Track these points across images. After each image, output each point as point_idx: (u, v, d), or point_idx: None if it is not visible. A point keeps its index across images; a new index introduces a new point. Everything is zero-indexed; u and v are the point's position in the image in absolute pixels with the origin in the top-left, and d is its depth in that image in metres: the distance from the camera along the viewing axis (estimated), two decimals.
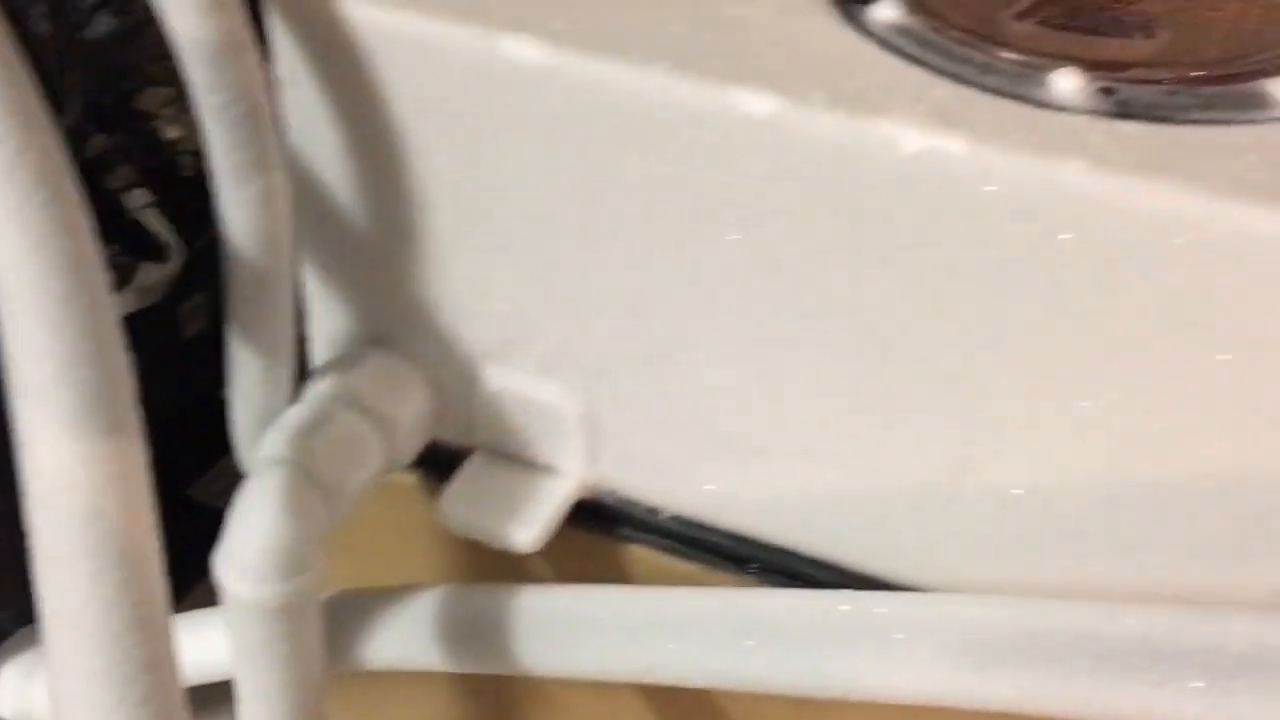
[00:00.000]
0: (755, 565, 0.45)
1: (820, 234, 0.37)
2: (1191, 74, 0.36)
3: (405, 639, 0.45)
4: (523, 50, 0.38)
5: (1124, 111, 0.36)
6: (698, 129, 0.37)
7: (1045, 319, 0.35)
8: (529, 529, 0.44)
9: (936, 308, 0.36)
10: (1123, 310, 0.35)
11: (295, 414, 0.43)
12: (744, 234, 0.38)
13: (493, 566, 0.48)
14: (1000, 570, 0.41)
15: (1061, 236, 0.34)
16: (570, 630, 0.42)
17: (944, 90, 0.36)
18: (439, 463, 0.49)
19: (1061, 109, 0.36)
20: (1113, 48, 0.38)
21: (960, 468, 0.40)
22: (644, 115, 0.37)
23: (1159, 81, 0.36)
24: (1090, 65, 0.37)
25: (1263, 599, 0.37)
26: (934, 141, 0.34)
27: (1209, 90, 0.36)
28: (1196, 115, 0.36)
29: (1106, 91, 0.36)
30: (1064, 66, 0.36)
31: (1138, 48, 0.38)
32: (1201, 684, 0.29)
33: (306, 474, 0.41)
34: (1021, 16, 0.39)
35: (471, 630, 0.44)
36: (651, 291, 0.41)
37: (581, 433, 0.45)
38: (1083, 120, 0.35)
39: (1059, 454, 0.38)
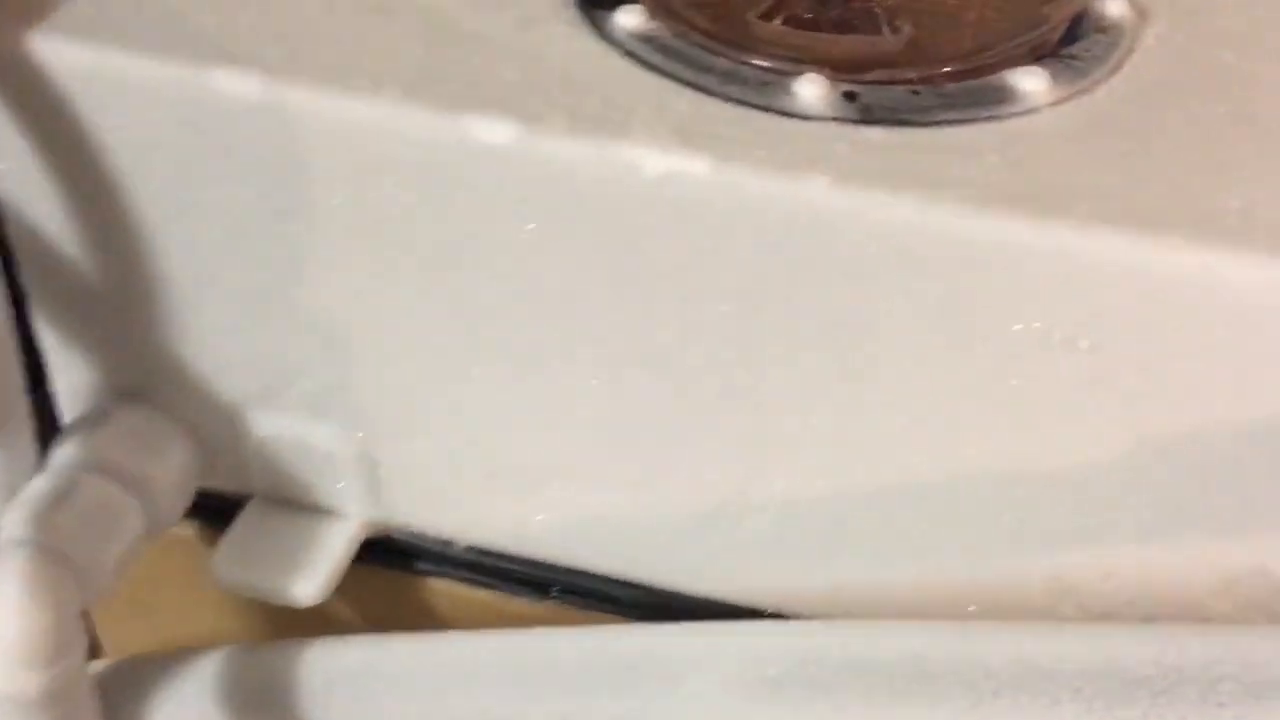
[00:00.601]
0: (556, 589, 0.45)
1: (572, 261, 0.35)
2: (935, 71, 0.36)
3: (190, 709, 0.43)
4: (236, 84, 0.35)
5: (868, 117, 0.35)
6: (433, 159, 0.34)
7: (805, 335, 0.35)
8: (309, 582, 0.42)
9: (699, 329, 0.35)
10: (878, 323, 0.34)
11: (38, 486, 0.39)
12: (496, 263, 0.36)
13: (289, 613, 0.46)
14: (794, 580, 0.40)
15: (810, 253, 0.33)
16: (360, 688, 0.40)
17: (688, 103, 0.35)
18: (217, 511, 0.46)
19: (806, 117, 0.35)
20: (858, 46, 0.37)
21: (741, 482, 0.39)
22: (374, 147, 0.35)
23: (902, 82, 0.36)
24: (834, 67, 0.36)
25: (1040, 590, 0.38)
26: (676, 164, 0.33)
27: (952, 87, 0.36)
28: (940, 116, 0.35)
29: (850, 96, 0.35)
30: (807, 72, 0.36)
31: (882, 45, 0.38)
32: (966, 704, 0.29)
33: (53, 553, 0.38)
34: (767, 15, 0.38)
35: (261, 694, 0.42)
36: (411, 325, 0.39)
37: (359, 473, 0.43)
38: (827, 129, 0.35)
39: (835, 466, 0.37)
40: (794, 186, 0.32)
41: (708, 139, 0.34)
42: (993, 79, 0.36)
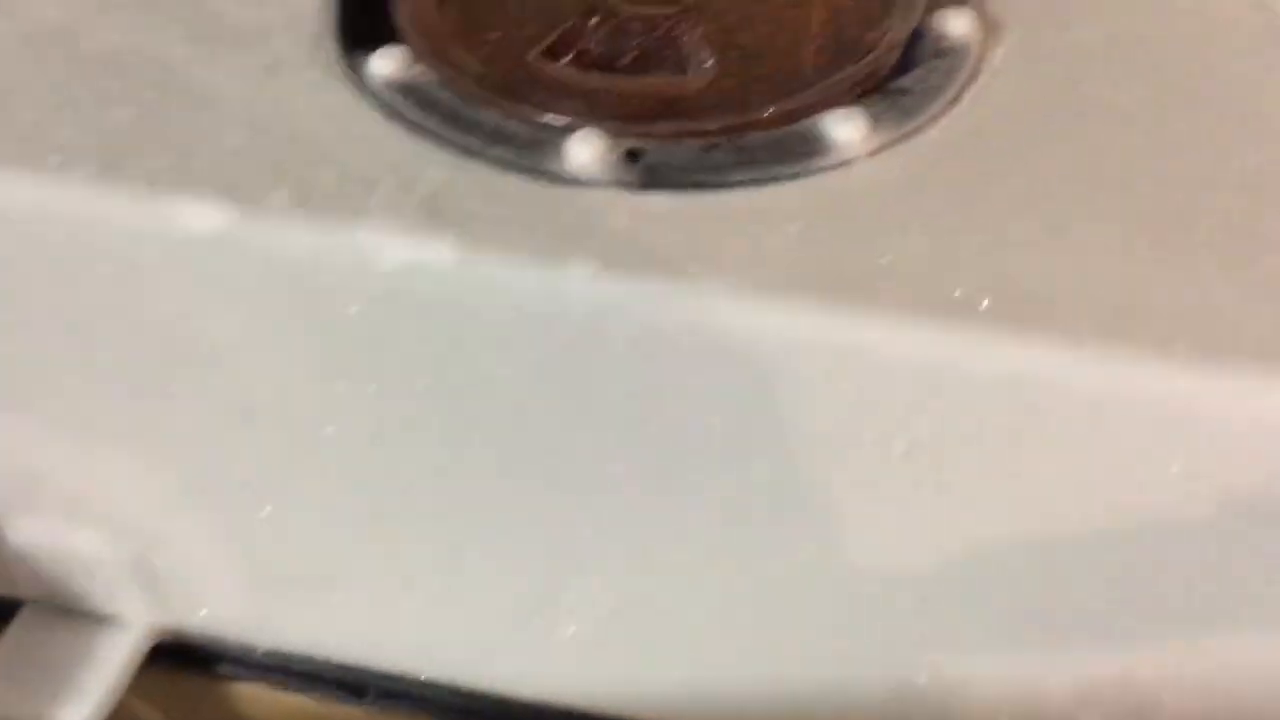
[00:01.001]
0: (370, 694, 0.40)
1: (312, 361, 0.30)
2: (734, 120, 0.31)
3: None
4: None
5: (652, 180, 0.30)
6: (133, 249, 0.29)
7: (585, 437, 0.30)
8: (77, 708, 0.37)
9: (464, 433, 0.31)
10: (665, 423, 0.29)
11: None
12: (232, 363, 0.31)
13: None
14: (610, 683, 0.36)
15: (578, 350, 0.28)
16: None
17: (444, 170, 0.30)
18: None
19: (581, 183, 0.30)
20: (648, 92, 0.32)
21: (547, 587, 0.34)
22: (66, 235, 0.30)
23: (696, 135, 0.31)
24: (618, 118, 0.31)
25: (886, 701, 0.34)
26: (418, 252, 0.28)
27: (755, 139, 0.30)
28: (738, 175, 0.30)
29: (633, 156, 0.30)
30: (584, 127, 0.30)
31: (679, 87, 0.32)
32: None
33: None
34: (551, 53, 0.33)
35: None
36: (156, 428, 0.34)
37: (136, 579, 0.38)
38: (605, 196, 0.29)
39: (641, 571, 0.33)
40: (553, 275, 0.28)
41: (460, 217, 0.29)
42: (804, 126, 0.31)
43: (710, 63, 0.32)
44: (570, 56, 0.33)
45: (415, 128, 0.31)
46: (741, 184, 0.30)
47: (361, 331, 0.29)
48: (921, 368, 0.27)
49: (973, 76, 0.34)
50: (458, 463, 0.31)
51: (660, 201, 0.29)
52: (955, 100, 0.33)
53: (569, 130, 0.30)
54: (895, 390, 0.27)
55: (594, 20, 0.34)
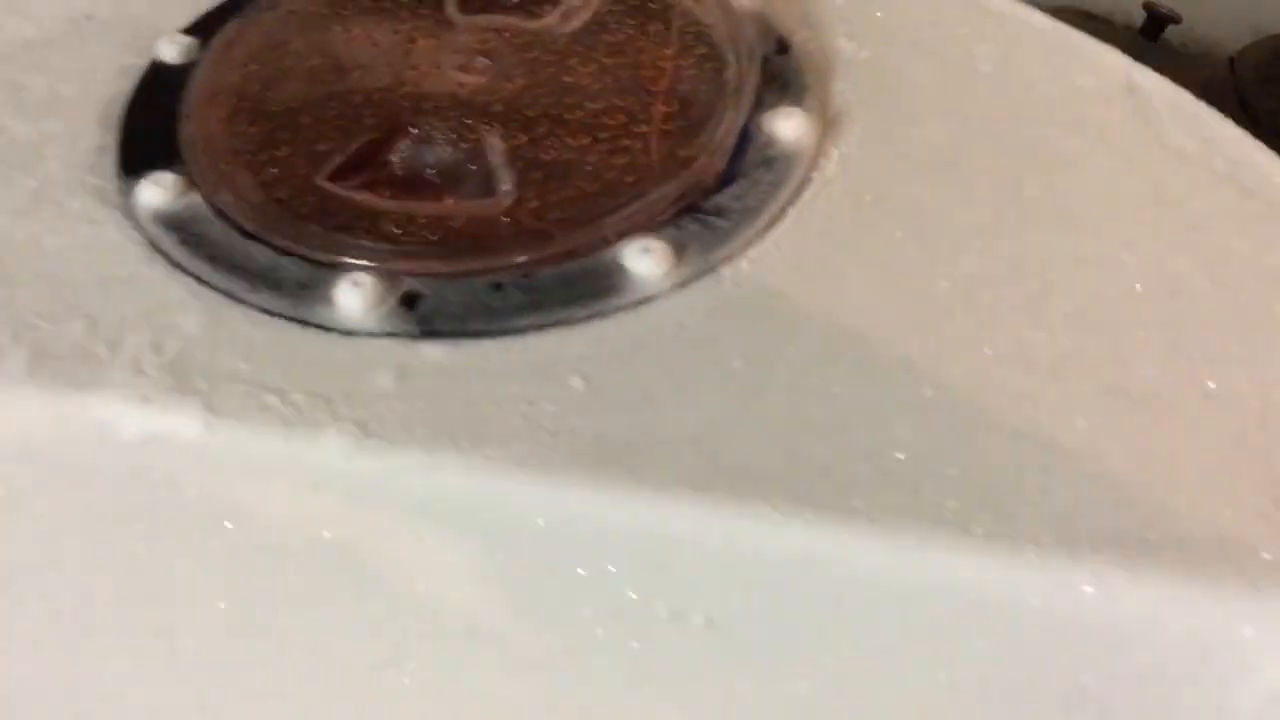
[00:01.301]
0: None
1: (45, 533, 0.28)
2: (528, 253, 0.28)
3: None
4: None
5: (429, 329, 0.27)
6: None
7: (348, 617, 0.27)
8: None
9: (204, 615, 0.28)
10: (442, 599, 0.27)
11: None
12: None
13: None
14: None
15: (334, 522, 0.26)
16: None
17: (202, 319, 0.27)
18: None
19: (351, 333, 0.27)
20: (445, 215, 0.29)
21: None
22: None
23: (484, 271, 0.28)
24: (401, 254, 0.28)
25: None
26: (158, 425, 0.25)
27: (545, 276, 0.28)
28: (525, 319, 0.27)
29: (410, 301, 0.28)
30: (358, 270, 0.28)
31: (478, 211, 0.29)
32: None
33: None
34: (343, 175, 0.31)
35: None
36: None
37: None
38: (376, 349, 0.27)
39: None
40: (306, 449, 0.25)
41: (211, 380, 0.26)
42: (601, 258, 0.28)
43: (510, 184, 0.30)
44: (363, 177, 0.31)
45: (180, 269, 0.28)
46: (528, 329, 0.27)
47: (108, 507, 0.26)
48: (701, 547, 0.24)
49: (800, 188, 0.31)
50: (218, 641, 0.28)
51: (436, 353, 0.27)
52: (777, 218, 0.30)
53: (343, 271, 0.28)
54: (682, 567, 0.25)
55: (397, 134, 0.32)
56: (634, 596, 0.25)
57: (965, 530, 0.23)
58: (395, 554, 0.26)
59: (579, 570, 0.25)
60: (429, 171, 0.31)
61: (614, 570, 0.25)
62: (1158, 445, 0.25)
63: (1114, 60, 0.35)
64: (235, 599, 0.26)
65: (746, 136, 0.32)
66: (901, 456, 0.24)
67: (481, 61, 0.33)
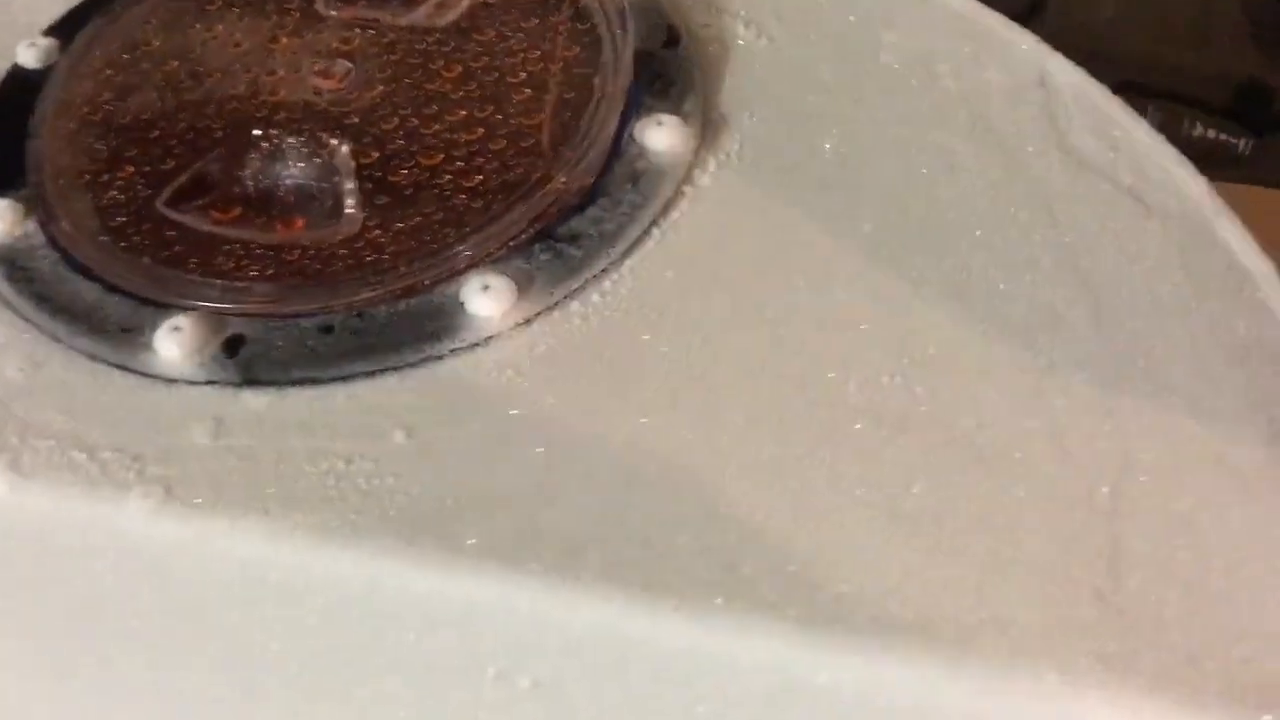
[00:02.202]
0: None
1: None
2: (363, 291, 0.26)
3: None
4: None
5: (250, 376, 0.26)
6: None
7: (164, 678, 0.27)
8: None
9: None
10: (252, 666, 0.26)
11: None
12: None
13: None
14: None
15: (136, 589, 0.25)
16: None
17: (20, 365, 0.26)
18: None
19: (170, 380, 0.26)
20: (283, 244, 0.28)
21: None
22: None
23: (315, 312, 0.27)
24: (230, 291, 0.27)
25: None
26: None
27: (379, 315, 0.26)
28: (351, 364, 0.26)
29: (231, 347, 0.26)
30: (181, 312, 0.26)
31: (318, 239, 0.28)
32: None
33: None
34: (184, 196, 0.29)
35: None
36: None
37: None
38: (193, 399, 0.25)
39: None
40: (108, 512, 0.24)
41: (22, 434, 0.25)
42: (441, 295, 0.27)
43: (355, 209, 0.28)
44: (208, 199, 0.29)
45: (9, 307, 0.27)
46: (356, 375, 0.26)
47: None
48: (515, 615, 0.23)
49: (668, 207, 0.29)
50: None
51: (258, 404, 0.26)
52: (637, 244, 0.28)
53: (169, 311, 0.27)
54: (497, 634, 0.24)
55: (246, 149, 0.30)
56: (456, 660, 0.25)
57: (780, 614, 0.22)
58: (211, 621, 0.25)
59: (395, 636, 0.24)
60: (279, 192, 0.29)
61: (427, 637, 0.24)
62: (998, 514, 0.23)
63: (1029, 51, 0.33)
64: (57, 667, 0.26)
65: (618, 149, 0.30)
66: (729, 533, 0.23)
67: (341, 65, 0.31)
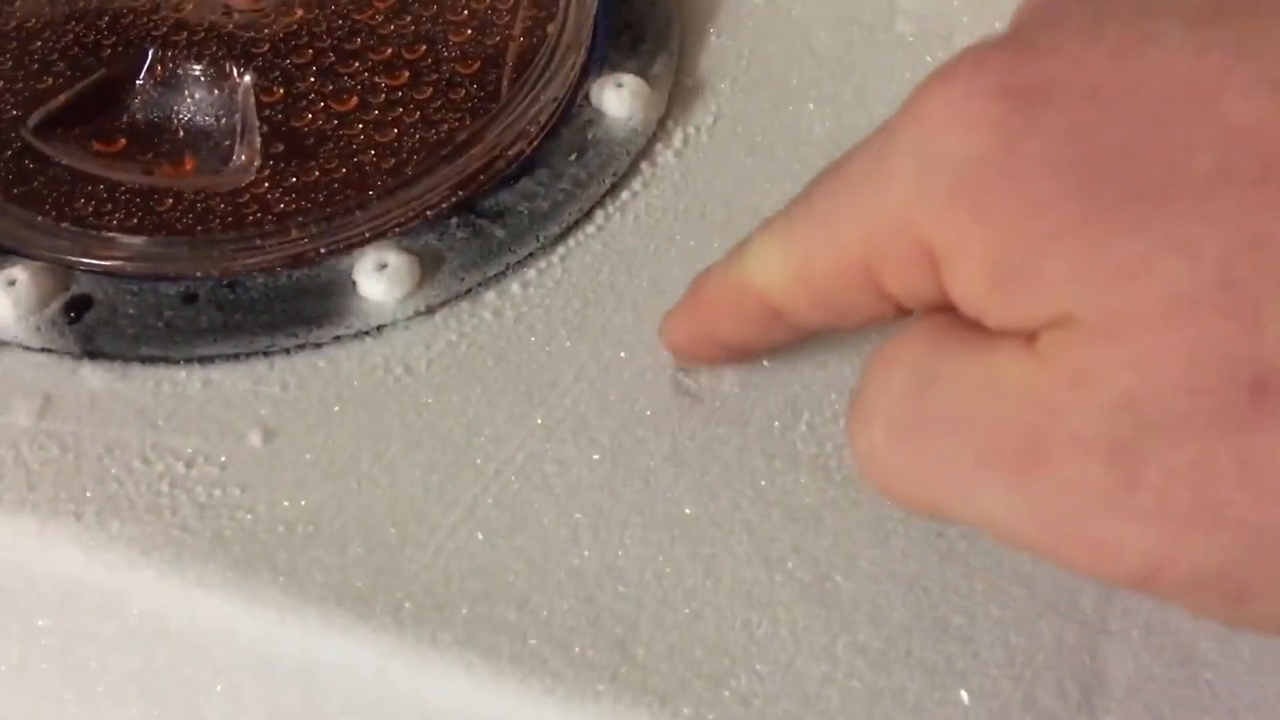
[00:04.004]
0: None
1: None
2: (238, 257, 0.22)
3: None
4: None
5: (93, 348, 0.22)
6: None
7: None
8: None
9: None
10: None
11: None
12: None
13: None
14: None
15: None
16: None
17: None
18: None
19: (5, 344, 0.22)
20: (159, 192, 0.23)
21: None
22: None
23: (175, 276, 0.23)
24: (70, 246, 0.23)
25: None
26: None
27: (255, 286, 0.22)
28: (218, 344, 0.22)
29: (73, 312, 0.22)
30: (16, 264, 0.22)
31: (205, 187, 0.23)
32: None
33: None
34: (57, 122, 0.24)
35: None
36: None
37: None
38: (28, 368, 0.22)
39: None
40: None
41: None
42: (332, 270, 0.22)
43: (246, 156, 0.24)
44: (84, 128, 0.25)
45: None
46: (217, 358, 0.22)
47: None
48: (357, 672, 0.20)
49: (618, 186, 0.25)
50: None
51: (96, 382, 0.21)
52: (574, 228, 0.24)
53: (5, 259, 0.22)
54: (343, 695, 0.20)
55: (137, 72, 0.25)
56: (296, 713, 0.21)
57: (675, 712, 0.18)
58: (23, 628, 0.22)
59: (227, 679, 0.21)
60: (170, 128, 0.25)
61: (258, 684, 0.20)
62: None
63: None
64: None
65: (569, 111, 0.26)
66: (624, 604, 0.19)
67: None
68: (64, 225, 0.23)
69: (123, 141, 0.25)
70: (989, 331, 0.15)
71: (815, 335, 0.20)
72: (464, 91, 0.25)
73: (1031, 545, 0.15)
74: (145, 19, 0.27)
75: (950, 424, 0.15)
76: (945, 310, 0.16)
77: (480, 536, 0.20)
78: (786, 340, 0.20)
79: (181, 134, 0.25)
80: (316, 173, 0.24)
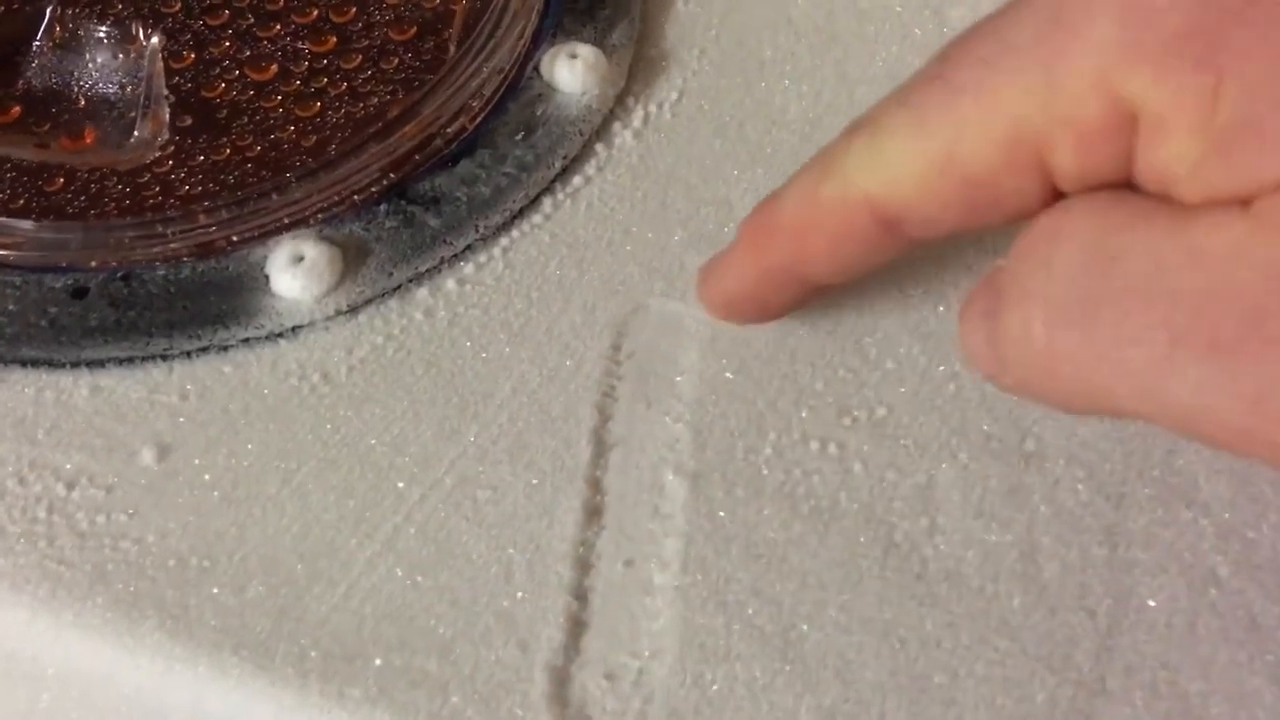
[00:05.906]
0: None
1: None
2: (134, 246, 0.20)
3: None
4: None
5: None
6: None
7: None
8: None
9: None
10: None
11: None
12: None
13: None
14: None
15: None
16: None
17: None
18: None
19: None
20: (36, 165, 0.21)
21: None
22: None
23: (64, 268, 0.20)
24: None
25: None
26: None
27: (154, 280, 0.20)
28: (109, 346, 0.19)
29: None
30: None
31: (84, 163, 0.21)
32: None
33: None
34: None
35: None
36: None
37: None
38: None
39: None
40: None
41: None
42: (241, 263, 0.20)
43: (150, 131, 0.22)
44: (21, 83, 0.22)
45: None
46: (109, 362, 0.20)
47: None
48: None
49: (570, 170, 0.22)
50: None
51: None
52: (519, 217, 0.21)
53: None
54: None
55: (38, 30, 0.23)
56: None
57: None
58: None
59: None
60: (69, 96, 0.23)
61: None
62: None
63: None
64: None
65: (516, 84, 0.23)
66: (557, 656, 0.17)
67: None
68: None
69: (17, 110, 0.23)
70: (1180, 204, 0.14)
71: (922, 249, 0.18)
72: (397, 61, 0.22)
73: (1238, 437, 0.13)
74: None
75: (1140, 301, 0.13)
76: (1112, 188, 0.14)
77: (399, 573, 0.18)
78: (881, 261, 0.17)
79: (82, 103, 0.22)
80: (228, 150, 0.21)
